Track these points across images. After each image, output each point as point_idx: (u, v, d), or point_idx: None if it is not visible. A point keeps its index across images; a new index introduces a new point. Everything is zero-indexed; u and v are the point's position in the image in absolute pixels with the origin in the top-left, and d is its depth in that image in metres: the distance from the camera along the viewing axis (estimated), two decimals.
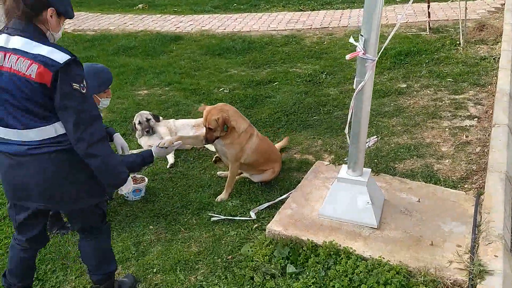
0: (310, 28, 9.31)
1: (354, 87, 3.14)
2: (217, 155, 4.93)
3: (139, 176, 4.49)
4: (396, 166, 4.35)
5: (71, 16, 2.48)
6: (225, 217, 3.90)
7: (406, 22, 8.74)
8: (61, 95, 2.27)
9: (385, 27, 8.68)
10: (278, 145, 4.79)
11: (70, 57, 2.27)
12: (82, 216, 2.78)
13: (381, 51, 3.13)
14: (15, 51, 2.27)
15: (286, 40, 8.83)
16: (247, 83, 7.05)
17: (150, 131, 5.28)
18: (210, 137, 4.05)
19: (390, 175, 4.09)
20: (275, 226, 3.38)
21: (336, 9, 10.52)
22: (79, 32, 10.23)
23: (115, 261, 3.11)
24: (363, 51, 2.97)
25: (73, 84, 2.27)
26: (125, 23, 10.76)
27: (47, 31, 2.39)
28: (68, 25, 10.77)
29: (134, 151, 4.78)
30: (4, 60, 2.29)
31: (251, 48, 8.59)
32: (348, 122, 3.33)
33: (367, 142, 4.01)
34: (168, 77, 7.40)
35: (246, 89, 6.85)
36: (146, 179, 4.43)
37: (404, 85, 6.19)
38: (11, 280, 2.90)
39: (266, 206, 3.95)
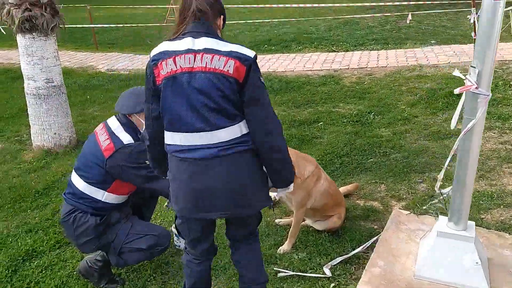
0: (348, 68, 8.91)
1: (461, 127, 2.64)
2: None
3: None
4: (483, 217, 3.78)
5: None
6: (294, 273, 3.35)
7: (448, 63, 8.30)
8: (253, 88, 2.26)
9: (427, 68, 8.25)
10: (343, 189, 4.27)
11: (254, 53, 2.30)
12: (250, 222, 2.66)
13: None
14: (207, 50, 2.23)
15: (323, 80, 8.41)
16: (289, 123, 6.61)
17: None
18: None
19: (481, 227, 3.52)
20: None
21: (370, 50, 10.13)
22: (112, 72, 9.97)
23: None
24: (475, 85, 2.47)
25: (260, 77, 2.30)
26: None
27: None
28: (102, 65, 10.54)
29: None
30: (195, 61, 2.23)
31: (288, 88, 8.19)
32: (445, 166, 2.81)
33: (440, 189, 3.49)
34: None
35: (290, 129, 6.39)
36: None
37: None
38: None
39: (339, 261, 3.39)
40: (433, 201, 3.65)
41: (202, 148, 2.30)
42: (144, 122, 3.18)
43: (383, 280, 2.86)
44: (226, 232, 2.79)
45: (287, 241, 3.72)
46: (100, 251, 3.34)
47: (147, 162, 3.05)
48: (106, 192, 3.16)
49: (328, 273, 3.24)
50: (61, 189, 4.92)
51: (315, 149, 5.64)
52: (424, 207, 3.80)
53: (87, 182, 3.15)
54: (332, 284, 3.19)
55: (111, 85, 8.96)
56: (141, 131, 3.26)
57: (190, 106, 2.26)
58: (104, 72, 10.01)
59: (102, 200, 3.17)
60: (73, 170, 3.28)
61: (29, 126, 6.50)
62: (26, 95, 5.72)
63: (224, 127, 2.28)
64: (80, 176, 3.17)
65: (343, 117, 6.64)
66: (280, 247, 3.71)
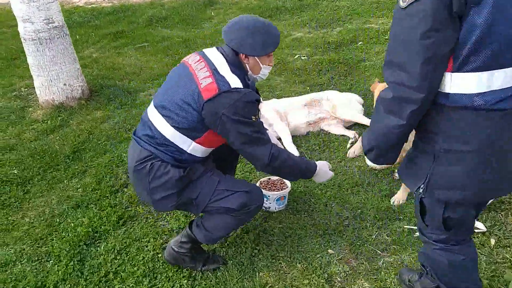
0: None
1: None
2: (352, 140, 3.85)
3: (275, 178, 3.38)
4: None
5: None
6: None
7: None
8: None
9: None
10: None
11: None
12: None
13: None
14: None
15: None
16: (323, 47, 5.94)
17: None
18: None
19: None
20: None
21: None
22: (93, 5, 8.85)
23: None
24: None
25: None
26: None
27: None
28: None
29: None
30: None
31: (303, 6, 7.41)
32: None
33: None
34: None
35: (326, 53, 5.73)
36: (289, 184, 3.32)
37: None
38: None
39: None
40: None
41: None
42: (263, 66, 2.48)
43: None
44: None
45: (401, 190, 3.20)
46: (185, 231, 2.75)
47: (254, 118, 2.35)
48: (194, 143, 2.47)
49: (481, 227, 2.74)
50: (93, 151, 4.21)
51: (368, 74, 5.02)
52: None
53: (174, 127, 2.43)
54: (493, 240, 2.69)
55: (98, 20, 7.95)
56: (257, 76, 2.55)
57: None
58: (83, 6, 8.90)
59: (188, 151, 2.49)
60: (154, 107, 2.53)
61: (24, 77, 5.65)
62: (23, 41, 4.80)
63: None
64: (166, 118, 2.45)
65: (383, 34, 5.99)
66: (393, 197, 3.19)
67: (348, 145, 3.85)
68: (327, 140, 4.01)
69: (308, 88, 4.90)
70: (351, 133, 3.96)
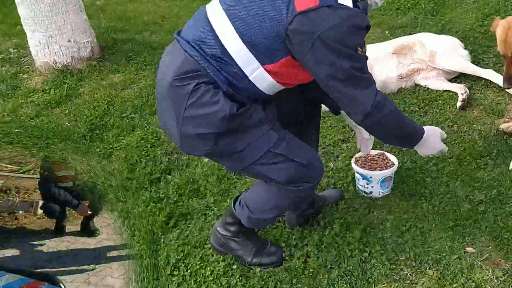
0: None
1: None
2: (463, 97, 3.49)
3: (374, 152, 3.05)
4: None
5: None
6: None
7: None
8: None
9: None
10: None
11: None
12: None
13: None
14: None
15: None
16: None
17: None
18: None
19: None
20: None
21: None
22: None
23: None
24: None
25: None
26: None
27: None
28: None
29: None
30: None
31: None
32: None
33: None
34: None
35: None
36: (396, 160, 2.98)
37: None
38: None
39: None
40: None
41: None
42: None
43: None
44: None
45: None
46: (229, 208, 2.56)
47: (360, 50, 2.05)
48: (261, 68, 2.11)
49: None
50: (117, 128, 4.00)
51: (461, 11, 4.83)
52: None
53: (242, 39, 2.08)
54: None
55: None
56: (372, 2, 2.24)
57: None
58: None
59: (250, 78, 2.14)
60: (218, 2, 2.16)
61: (11, 35, 5.39)
62: None
63: None
64: (234, 22, 2.09)
65: None
66: None
67: (459, 104, 3.49)
68: (427, 98, 3.74)
69: (387, 32, 4.59)
70: (459, 88, 3.63)
